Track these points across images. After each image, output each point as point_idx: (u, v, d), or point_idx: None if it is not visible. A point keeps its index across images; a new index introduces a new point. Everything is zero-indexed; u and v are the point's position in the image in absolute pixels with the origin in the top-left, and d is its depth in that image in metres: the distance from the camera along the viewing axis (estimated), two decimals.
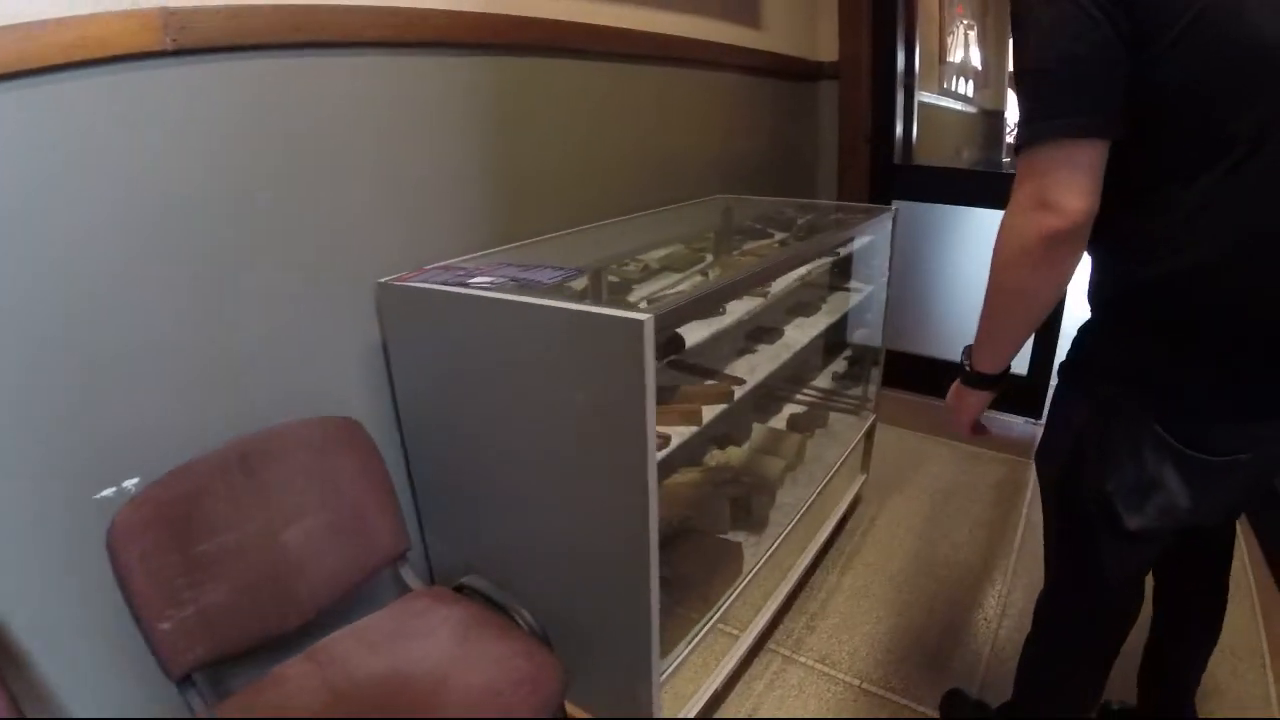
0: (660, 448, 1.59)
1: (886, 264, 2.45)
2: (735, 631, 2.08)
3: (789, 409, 2.73)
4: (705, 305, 1.60)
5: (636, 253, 2.42)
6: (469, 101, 1.85)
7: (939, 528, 2.70)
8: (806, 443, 2.47)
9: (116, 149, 1.25)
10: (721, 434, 2.48)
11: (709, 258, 2.51)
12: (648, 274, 2.37)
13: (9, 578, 1.24)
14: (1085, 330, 1.25)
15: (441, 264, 1.75)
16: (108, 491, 1.34)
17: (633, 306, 1.24)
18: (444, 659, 1.38)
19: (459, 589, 1.59)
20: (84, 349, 1.27)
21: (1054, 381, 1.70)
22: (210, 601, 1.34)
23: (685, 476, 2.21)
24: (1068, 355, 1.28)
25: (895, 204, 2.58)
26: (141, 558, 1.28)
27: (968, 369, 1.31)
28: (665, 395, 1.83)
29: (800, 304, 2.56)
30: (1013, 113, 2.50)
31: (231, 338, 1.47)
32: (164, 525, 1.31)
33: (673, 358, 1.80)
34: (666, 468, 1.99)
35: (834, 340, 2.83)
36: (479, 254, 1.92)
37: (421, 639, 1.43)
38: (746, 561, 2.00)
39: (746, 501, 2.14)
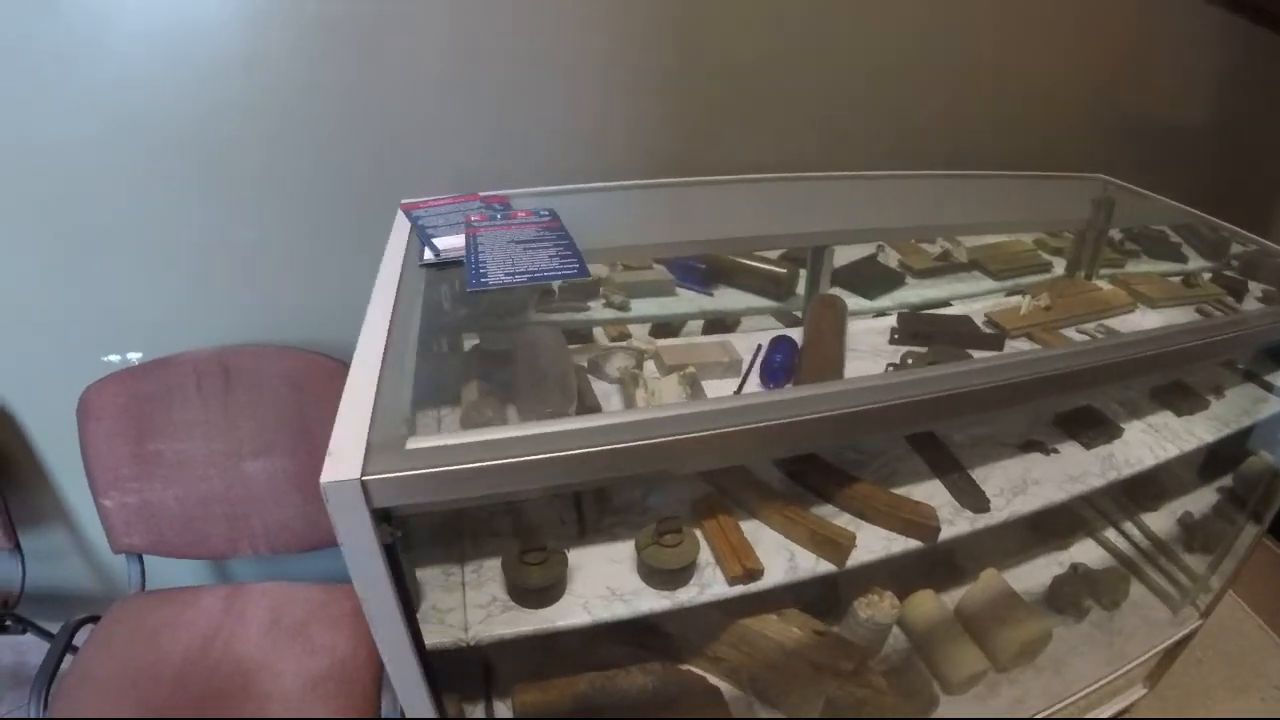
0: (736, 579, 1.09)
1: None
2: None
3: (1069, 556, 1.77)
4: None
5: (942, 229, 1.69)
6: None
7: None
8: (1051, 634, 1.54)
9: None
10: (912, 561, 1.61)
11: (1057, 266, 1.69)
12: (944, 267, 1.67)
13: (39, 407, 1.44)
14: None
15: (493, 194, 1.29)
16: (113, 357, 1.36)
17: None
18: (283, 705, 1.18)
19: None
20: (108, 232, 1.30)
21: None
22: (156, 499, 1.31)
23: (780, 628, 1.32)
24: None
25: None
26: (94, 437, 1.27)
27: None
28: (806, 483, 1.23)
29: (1173, 390, 1.58)
30: None
31: (250, 242, 1.35)
32: (125, 413, 1.30)
33: None
34: (751, 603, 1.35)
35: (1205, 464, 1.75)
36: (617, 184, 1.47)
37: (295, 658, 1.24)
38: None
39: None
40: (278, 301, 1.39)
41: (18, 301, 1.33)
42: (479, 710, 1.27)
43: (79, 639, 1.30)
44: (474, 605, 1.06)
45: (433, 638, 1.03)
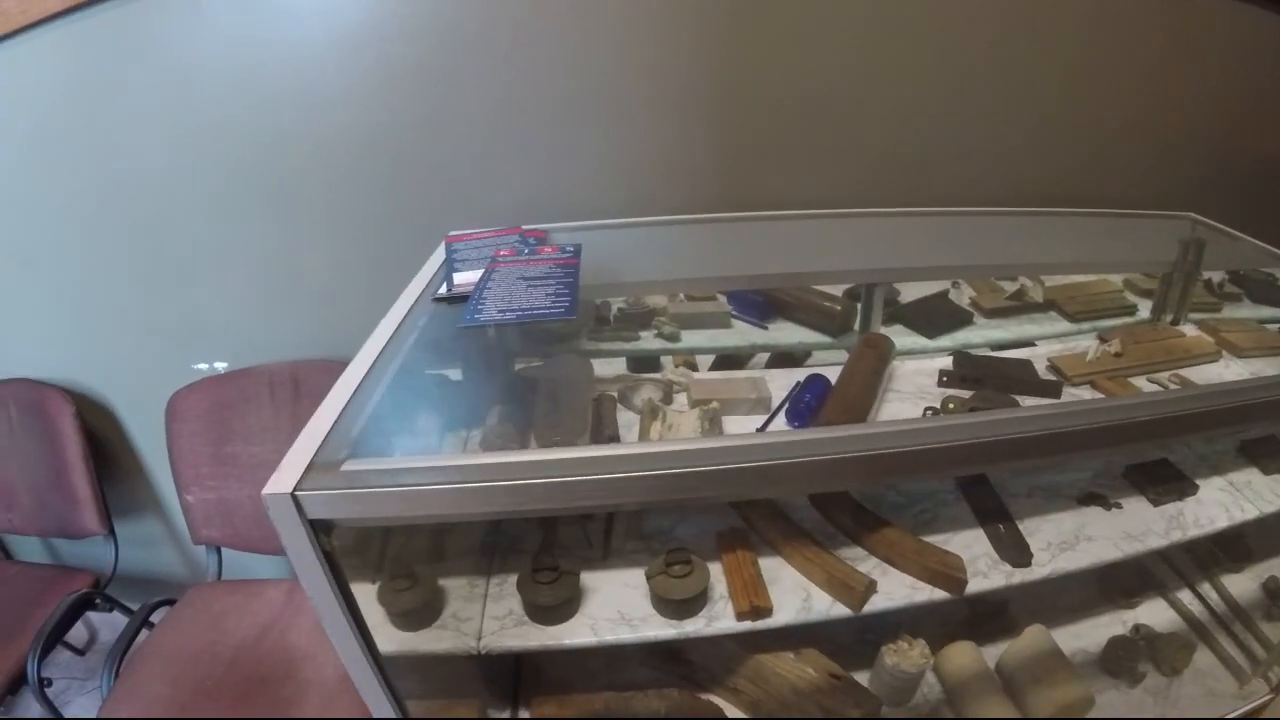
0: (744, 615, 1.10)
1: None
2: None
3: (1135, 615, 1.65)
4: None
5: (1014, 268, 1.65)
6: None
7: None
8: (1092, 699, 1.43)
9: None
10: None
11: (1144, 309, 1.61)
12: (1016, 307, 1.62)
13: (138, 407, 1.60)
14: None
15: (533, 228, 1.35)
16: (201, 365, 1.49)
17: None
18: (319, 693, 1.27)
19: None
20: (201, 255, 1.47)
21: None
22: (232, 497, 1.43)
23: (795, 668, 1.30)
24: None
25: None
26: (179, 438, 1.41)
27: None
28: (836, 523, 1.22)
29: (1264, 445, 1.46)
30: None
31: (322, 267, 1.48)
32: (206, 417, 1.42)
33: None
34: (771, 638, 1.29)
35: None
36: (658, 218, 1.51)
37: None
38: None
39: None
40: (345, 321, 1.49)
41: (123, 314, 1.50)
42: (505, 712, 1.32)
43: (158, 619, 1.43)
44: (491, 617, 1.11)
45: (445, 644, 1.10)
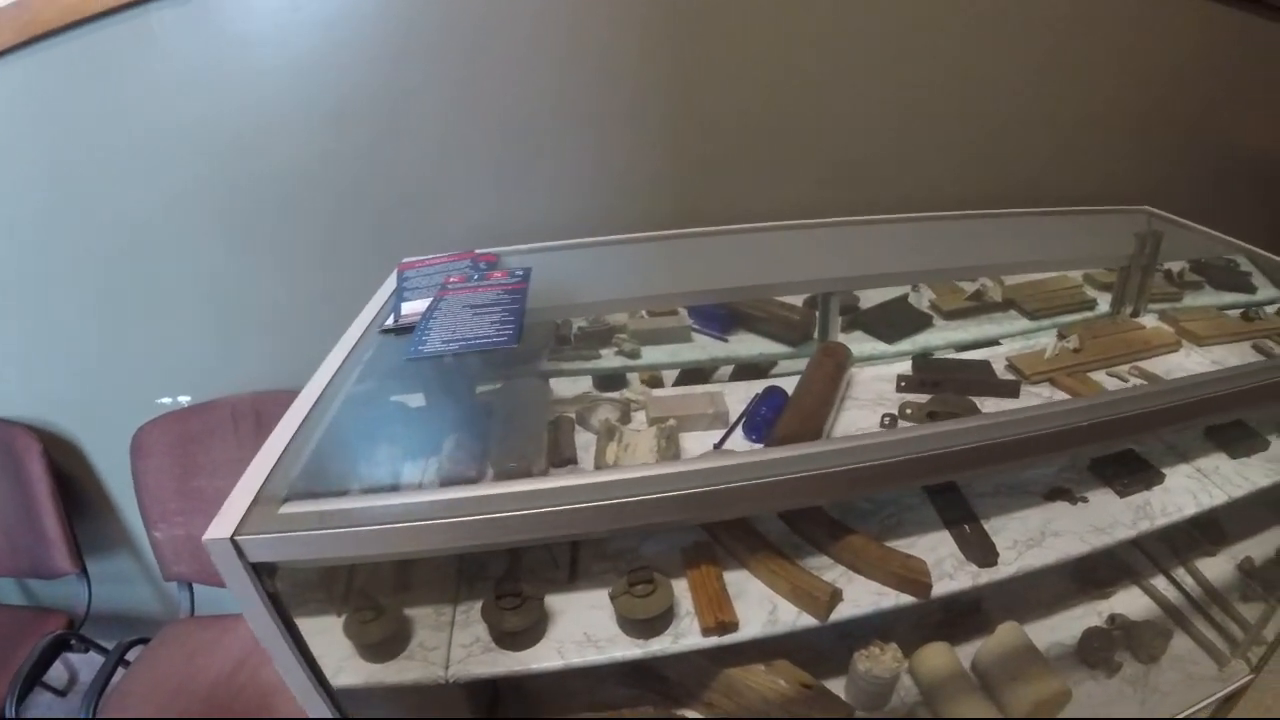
0: (709, 631, 1.10)
1: None
2: None
3: (1109, 605, 1.67)
4: None
5: (973, 270, 1.64)
6: None
7: None
8: (1068, 693, 1.44)
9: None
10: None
11: (1100, 303, 1.63)
12: (976, 307, 1.63)
13: (105, 444, 1.59)
14: None
15: (485, 252, 1.36)
16: (165, 399, 1.48)
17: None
18: None
19: None
20: (162, 290, 1.47)
21: None
22: (198, 532, 1.39)
23: (765, 679, 1.31)
24: None
25: None
26: (144, 473, 1.41)
27: None
28: (802, 533, 1.22)
29: (1230, 430, 1.46)
30: None
31: (278, 298, 1.48)
32: (171, 452, 1.42)
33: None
34: (743, 652, 1.28)
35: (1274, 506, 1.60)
36: (618, 237, 1.51)
37: None
38: None
39: None
40: (306, 351, 1.49)
41: (86, 349, 1.50)
42: None
43: (134, 657, 1.43)
44: (458, 644, 1.11)
45: (413, 674, 1.10)
